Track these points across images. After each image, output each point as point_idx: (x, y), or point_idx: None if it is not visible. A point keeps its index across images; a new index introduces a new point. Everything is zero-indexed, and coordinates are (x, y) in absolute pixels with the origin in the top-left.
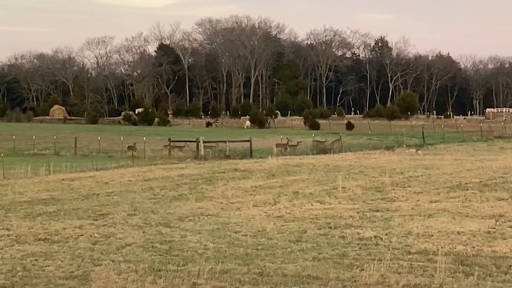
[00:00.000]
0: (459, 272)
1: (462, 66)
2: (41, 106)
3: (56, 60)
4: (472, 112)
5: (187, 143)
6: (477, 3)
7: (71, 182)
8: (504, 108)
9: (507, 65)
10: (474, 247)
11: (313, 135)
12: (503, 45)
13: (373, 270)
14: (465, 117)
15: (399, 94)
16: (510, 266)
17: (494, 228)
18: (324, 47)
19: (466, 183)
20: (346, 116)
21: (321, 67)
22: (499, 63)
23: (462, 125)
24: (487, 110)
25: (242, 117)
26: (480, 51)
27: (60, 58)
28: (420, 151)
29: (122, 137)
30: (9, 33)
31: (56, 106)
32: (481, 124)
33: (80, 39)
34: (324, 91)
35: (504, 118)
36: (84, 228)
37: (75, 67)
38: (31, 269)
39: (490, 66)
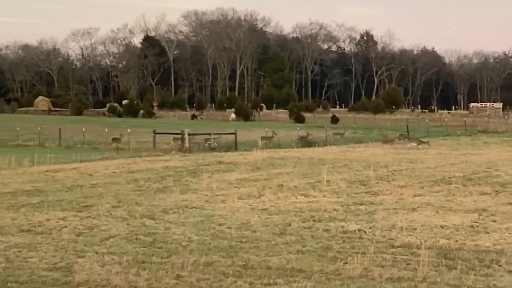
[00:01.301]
0: (442, 266)
1: (447, 61)
2: (25, 97)
3: (41, 51)
4: (456, 107)
5: (195, 136)
6: None
7: (55, 174)
8: (488, 103)
9: (491, 60)
10: (457, 241)
11: (297, 128)
12: (488, 40)
13: (356, 263)
14: (450, 111)
15: (384, 88)
16: (493, 260)
17: (477, 222)
18: (309, 41)
19: (450, 177)
20: (331, 109)
21: (306, 61)
22: (483, 58)
23: (446, 120)
24: (471, 104)
25: (227, 110)
26: (465, 46)
27: (45, 49)
28: (421, 145)
29: (106, 129)
30: None
31: (40, 97)
32: (465, 119)
33: (65, 30)
34: (309, 84)
35: (488, 113)
36: (68, 219)
37: (60, 58)
38: (14, 261)
39: (475, 61)
